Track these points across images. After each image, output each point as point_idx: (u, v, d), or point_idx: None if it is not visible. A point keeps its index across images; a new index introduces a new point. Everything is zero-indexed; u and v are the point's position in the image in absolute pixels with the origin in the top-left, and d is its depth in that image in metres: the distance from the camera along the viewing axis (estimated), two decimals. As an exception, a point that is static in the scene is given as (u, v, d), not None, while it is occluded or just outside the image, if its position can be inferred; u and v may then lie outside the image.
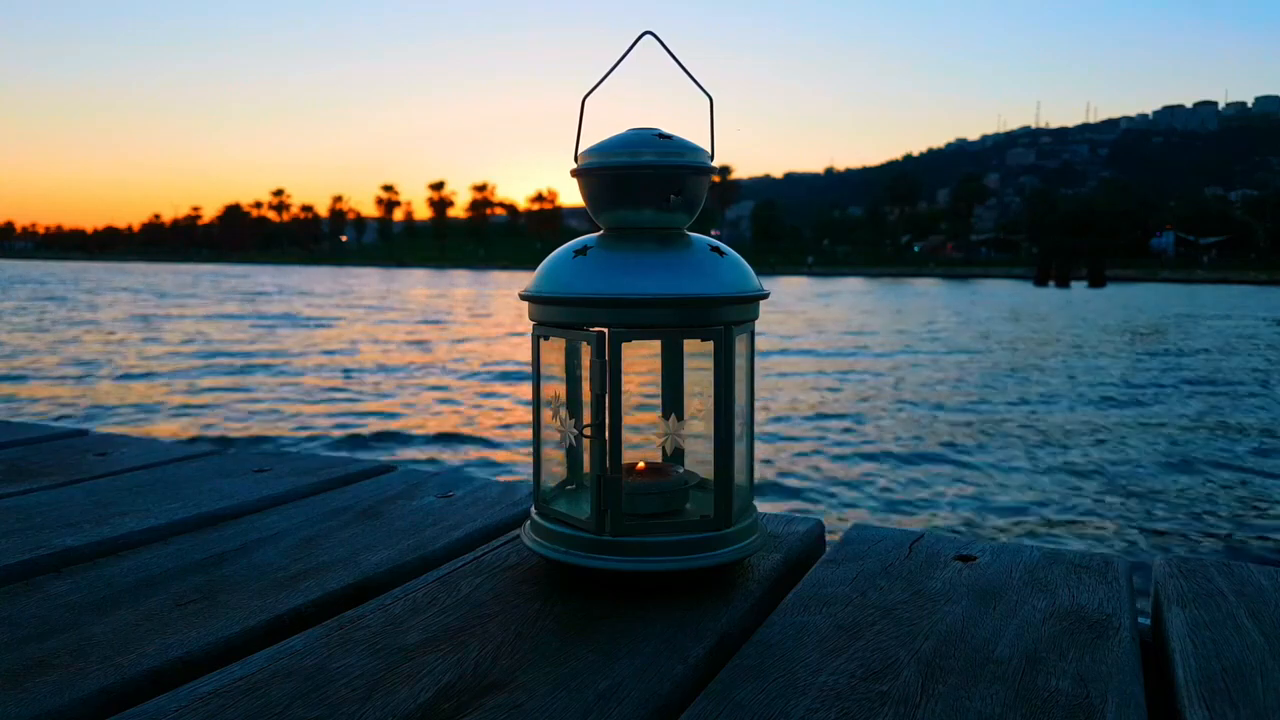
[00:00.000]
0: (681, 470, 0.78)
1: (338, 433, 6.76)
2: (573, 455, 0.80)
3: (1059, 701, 0.54)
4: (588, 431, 0.69)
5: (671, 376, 0.80)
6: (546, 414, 0.75)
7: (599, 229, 0.75)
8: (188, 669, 0.58)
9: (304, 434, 6.70)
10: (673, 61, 0.74)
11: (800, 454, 6.23)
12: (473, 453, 6.23)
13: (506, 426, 7.22)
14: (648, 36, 0.72)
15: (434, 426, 7.06)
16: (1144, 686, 0.56)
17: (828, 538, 0.87)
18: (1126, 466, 6.05)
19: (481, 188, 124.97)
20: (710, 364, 0.70)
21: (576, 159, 0.73)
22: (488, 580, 0.72)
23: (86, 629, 0.62)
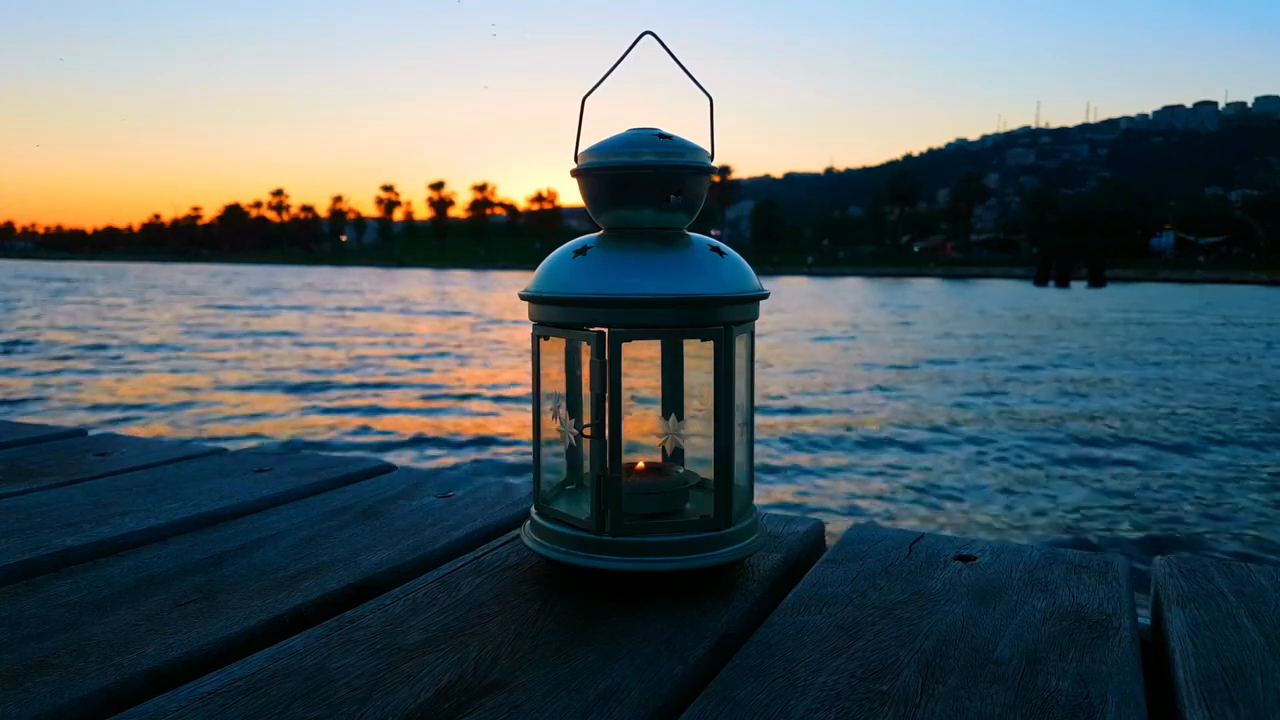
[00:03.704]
0: (681, 470, 0.78)
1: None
2: (573, 455, 0.80)
3: (1059, 701, 0.54)
4: (588, 431, 0.69)
5: (671, 376, 0.80)
6: (546, 414, 0.75)
7: (599, 229, 0.75)
8: (188, 669, 0.58)
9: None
10: (673, 61, 0.74)
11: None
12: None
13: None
14: (648, 36, 0.72)
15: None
16: (1144, 686, 0.56)
17: (827, 538, 0.87)
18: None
19: (481, 188, 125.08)
20: (710, 364, 0.70)
21: (576, 159, 0.73)
22: (488, 580, 0.72)
23: (86, 629, 0.62)
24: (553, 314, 0.71)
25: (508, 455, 6.16)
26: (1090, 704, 0.53)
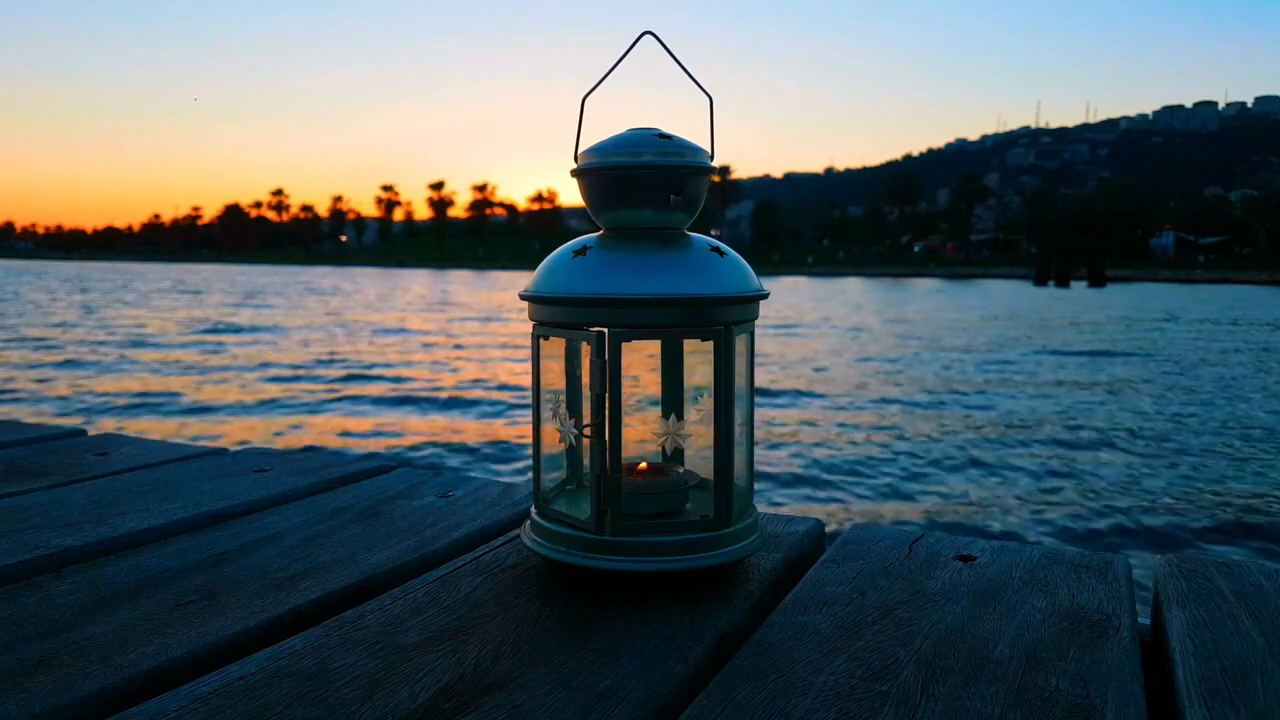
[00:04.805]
0: (681, 470, 0.78)
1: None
2: (573, 455, 0.80)
3: (1059, 701, 0.54)
4: (588, 431, 0.69)
5: (671, 376, 0.80)
6: (546, 414, 0.75)
7: (599, 229, 0.75)
8: (188, 669, 0.58)
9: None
10: (673, 61, 0.74)
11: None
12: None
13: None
14: (648, 36, 0.72)
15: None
16: (1144, 686, 0.56)
17: (827, 538, 0.87)
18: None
19: (481, 188, 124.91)
20: (710, 364, 0.70)
21: (576, 159, 0.73)
22: (488, 580, 0.72)
23: (86, 629, 0.62)
24: (553, 314, 0.71)
25: (508, 454, 6.17)
26: (1090, 704, 0.53)
